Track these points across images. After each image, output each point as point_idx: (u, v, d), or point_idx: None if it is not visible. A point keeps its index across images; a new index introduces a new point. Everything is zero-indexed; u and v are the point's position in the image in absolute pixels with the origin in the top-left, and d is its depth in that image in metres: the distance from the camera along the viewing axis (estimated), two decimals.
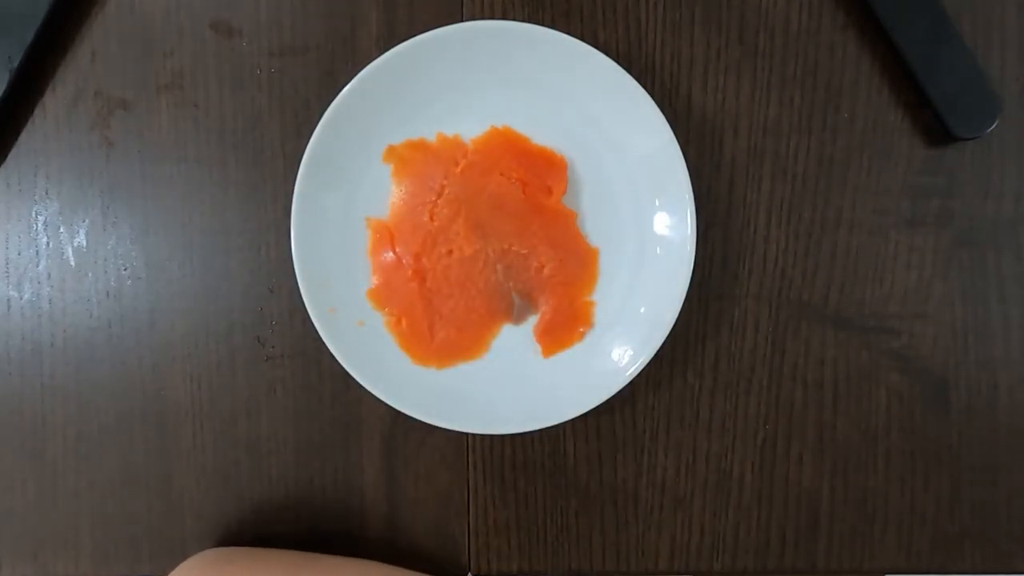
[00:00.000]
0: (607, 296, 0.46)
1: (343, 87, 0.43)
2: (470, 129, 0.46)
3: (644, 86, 0.43)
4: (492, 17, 0.47)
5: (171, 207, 0.47)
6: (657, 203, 0.45)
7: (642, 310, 0.45)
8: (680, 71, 0.47)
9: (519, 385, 0.45)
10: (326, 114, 0.43)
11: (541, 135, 0.46)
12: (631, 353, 0.44)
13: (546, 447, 0.47)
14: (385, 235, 0.46)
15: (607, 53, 0.43)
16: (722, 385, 0.47)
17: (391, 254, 0.46)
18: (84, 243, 0.48)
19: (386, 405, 0.44)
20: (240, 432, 0.47)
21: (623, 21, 0.47)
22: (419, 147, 0.46)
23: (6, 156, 0.48)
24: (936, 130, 0.46)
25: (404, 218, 0.46)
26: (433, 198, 0.45)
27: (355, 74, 0.43)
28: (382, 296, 0.46)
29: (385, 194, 0.46)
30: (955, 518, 0.47)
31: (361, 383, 0.44)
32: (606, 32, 0.47)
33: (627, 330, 0.45)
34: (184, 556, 0.47)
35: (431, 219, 0.45)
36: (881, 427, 0.47)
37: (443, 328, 0.46)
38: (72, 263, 0.48)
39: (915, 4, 0.45)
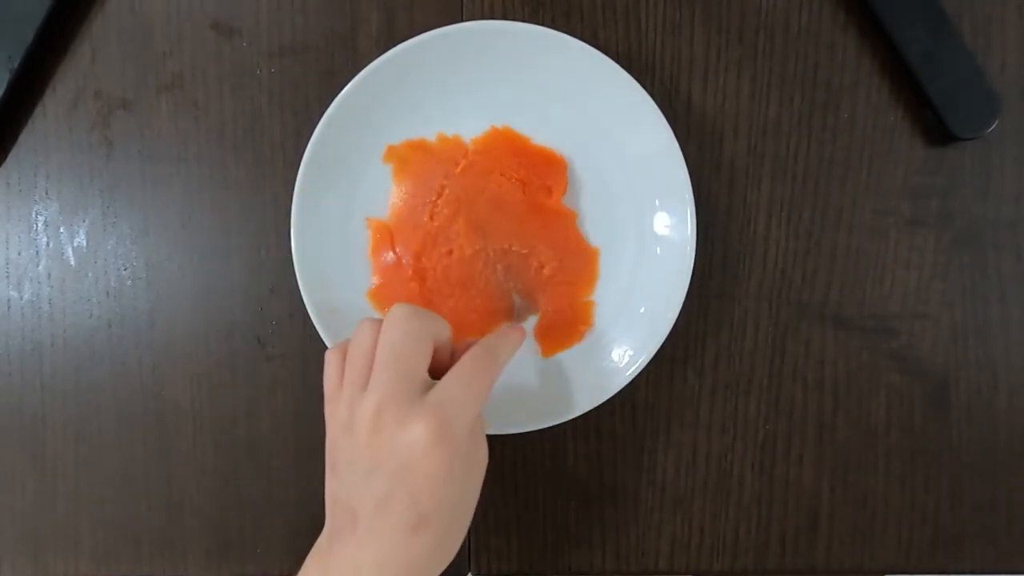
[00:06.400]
0: (607, 296, 0.46)
1: (343, 87, 0.43)
2: (470, 129, 0.46)
3: (644, 86, 0.43)
4: (492, 17, 0.47)
5: (171, 207, 0.47)
6: (657, 203, 0.45)
7: (642, 310, 0.45)
8: (680, 71, 0.47)
9: (519, 385, 0.45)
10: (326, 114, 0.43)
11: (541, 135, 0.46)
12: (631, 353, 0.44)
13: (546, 447, 0.47)
14: (385, 235, 0.46)
15: (607, 53, 0.43)
16: (722, 385, 0.47)
17: (391, 254, 0.46)
18: (84, 243, 0.48)
19: None
20: (240, 432, 0.47)
21: (623, 21, 0.47)
22: (419, 147, 0.46)
23: (6, 156, 0.48)
24: (936, 130, 0.46)
25: (404, 218, 0.46)
26: (433, 198, 0.45)
27: (355, 74, 0.43)
28: (382, 296, 0.46)
29: (385, 194, 0.46)
30: (955, 518, 0.47)
31: None
32: (606, 32, 0.47)
33: (627, 330, 0.45)
34: (184, 556, 0.47)
35: (431, 219, 0.45)
36: (881, 427, 0.47)
37: None
38: (72, 263, 0.48)
39: (915, 4, 0.45)
